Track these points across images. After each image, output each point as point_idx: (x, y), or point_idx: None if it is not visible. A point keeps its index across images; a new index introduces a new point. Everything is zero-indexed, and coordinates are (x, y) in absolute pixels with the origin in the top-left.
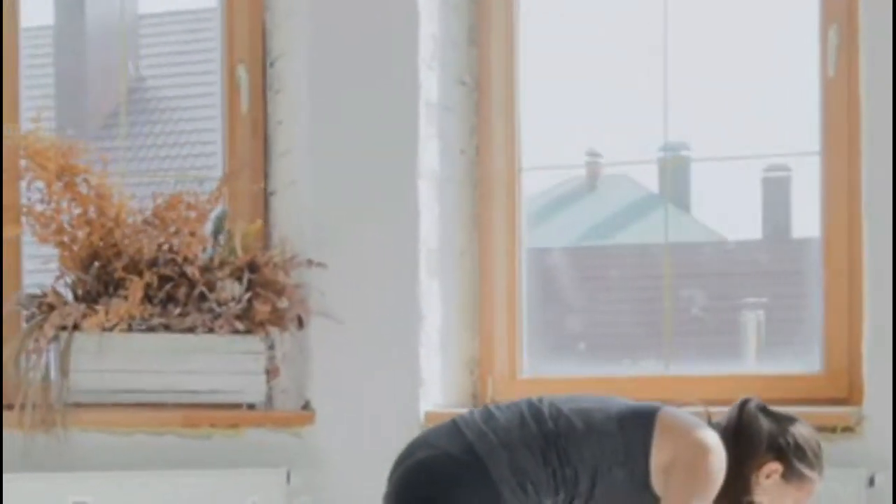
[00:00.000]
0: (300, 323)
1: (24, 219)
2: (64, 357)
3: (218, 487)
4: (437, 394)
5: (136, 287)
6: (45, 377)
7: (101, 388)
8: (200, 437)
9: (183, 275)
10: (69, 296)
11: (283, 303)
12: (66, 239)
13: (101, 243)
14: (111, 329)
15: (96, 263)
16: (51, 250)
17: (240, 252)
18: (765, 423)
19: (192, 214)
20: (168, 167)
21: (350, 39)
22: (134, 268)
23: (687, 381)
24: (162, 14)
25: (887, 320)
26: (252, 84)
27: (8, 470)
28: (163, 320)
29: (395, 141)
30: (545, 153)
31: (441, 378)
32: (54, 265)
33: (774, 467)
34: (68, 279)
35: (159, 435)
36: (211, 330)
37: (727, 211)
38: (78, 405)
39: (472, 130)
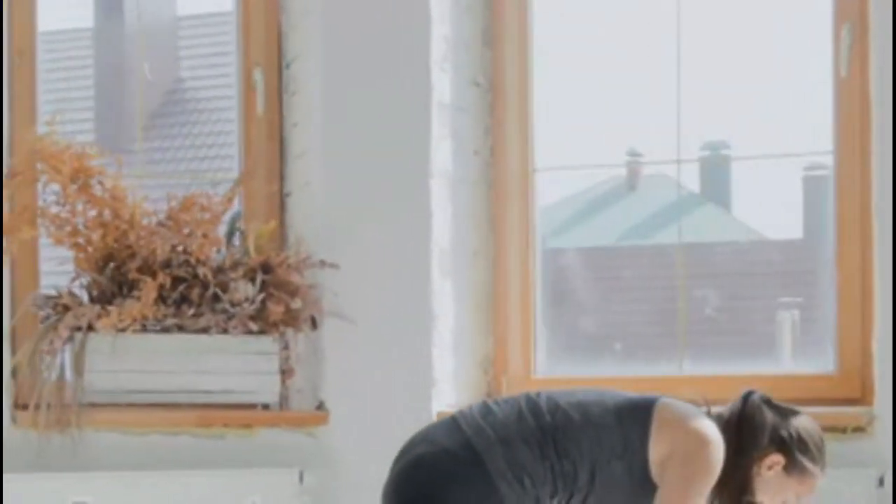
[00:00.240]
0: (314, 323)
1: (39, 221)
2: (78, 357)
3: (230, 487)
4: (450, 393)
5: (148, 288)
6: (60, 377)
7: (115, 389)
8: (214, 437)
9: (196, 276)
10: (85, 297)
11: (296, 303)
12: (80, 241)
13: (115, 245)
14: (125, 330)
15: (111, 265)
16: (67, 252)
17: (253, 253)
18: (768, 415)
19: (206, 216)
20: (207, 168)
21: (362, 41)
22: (148, 269)
23: (699, 381)
24: (202, 15)
25: None
26: (268, 86)
27: (21, 470)
28: (177, 321)
29: (407, 142)
30: (582, 152)
31: (454, 378)
32: (70, 267)
33: (776, 459)
34: (83, 280)
35: (173, 435)
36: (225, 330)
37: (768, 210)
38: (92, 405)
39: (486, 131)
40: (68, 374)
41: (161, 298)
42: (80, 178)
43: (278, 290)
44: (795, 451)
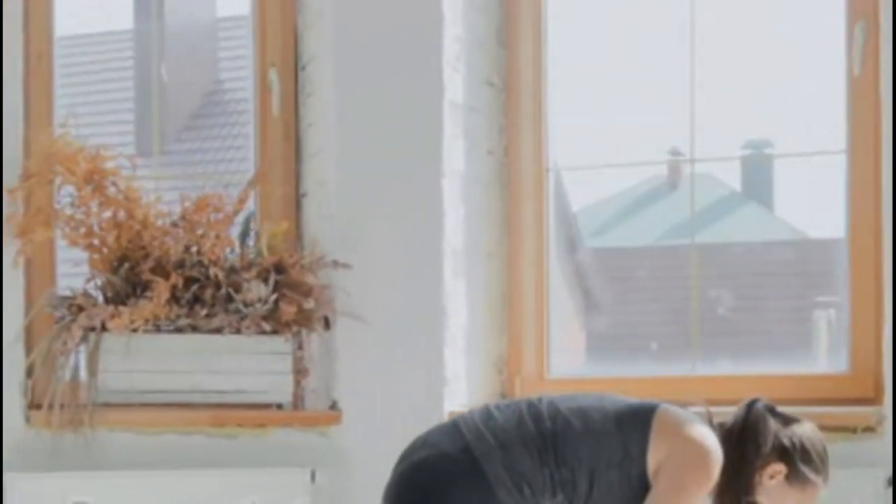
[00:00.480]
0: (326, 324)
1: (55, 222)
2: (92, 358)
3: (241, 486)
4: (463, 394)
5: (160, 288)
6: (74, 377)
7: (129, 389)
8: (227, 437)
9: (209, 276)
10: (100, 298)
11: (309, 304)
12: (95, 242)
13: (129, 246)
14: (137, 330)
15: (125, 265)
16: (83, 253)
17: (266, 253)
18: (772, 424)
19: (219, 216)
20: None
21: (375, 42)
22: (161, 270)
23: (715, 381)
24: (239, 18)
25: None
26: (285, 87)
27: (35, 469)
28: (190, 321)
29: (419, 142)
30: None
31: (467, 378)
32: (86, 268)
33: (778, 468)
34: (98, 281)
35: (186, 435)
36: (238, 331)
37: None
38: (106, 405)
39: (500, 131)
40: (82, 374)
41: (174, 299)
42: (95, 179)
43: (291, 291)
44: (798, 460)
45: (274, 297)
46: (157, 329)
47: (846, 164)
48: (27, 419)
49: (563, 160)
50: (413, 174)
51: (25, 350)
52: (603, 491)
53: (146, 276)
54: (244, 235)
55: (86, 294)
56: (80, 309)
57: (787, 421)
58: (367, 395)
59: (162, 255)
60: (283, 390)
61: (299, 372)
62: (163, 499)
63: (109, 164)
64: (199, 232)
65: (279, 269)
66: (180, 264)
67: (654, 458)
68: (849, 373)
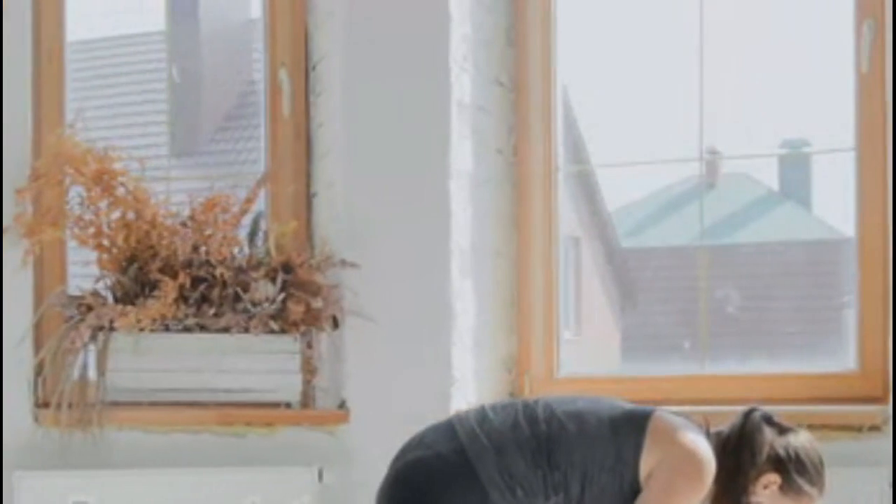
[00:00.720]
0: (335, 323)
1: (65, 222)
2: (101, 357)
3: (247, 485)
4: (472, 393)
5: (167, 288)
6: (83, 376)
7: (137, 388)
8: (235, 436)
9: (217, 276)
10: (110, 297)
11: (317, 303)
12: (105, 242)
13: (138, 245)
14: (143, 329)
15: (134, 265)
16: (94, 253)
17: (274, 253)
18: (768, 434)
19: (227, 217)
20: None
21: (383, 42)
22: (169, 269)
23: (723, 380)
24: None
25: None
26: (295, 88)
27: (43, 468)
28: (198, 320)
29: (426, 142)
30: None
31: (475, 377)
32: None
33: (773, 478)
34: (108, 281)
35: (195, 433)
36: (246, 330)
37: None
38: (115, 404)
39: (509, 130)
40: (91, 373)
41: (183, 298)
42: (104, 179)
43: (299, 290)
44: (792, 471)
45: (282, 296)
46: (166, 328)
47: (854, 161)
48: (36, 418)
49: (596, 158)
50: (421, 174)
51: (34, 349)
52: (595, 495)
53: (154, 275)
54: (253, 235)
55: (95, 294)
56: (90, 308)
57: (784, 431)
58: (375, 394)
59: (170, 255)
60: (291, 389)
61: (309, 371)
62: (170, 497)
63: (118, 165)
64: (208, 232)
65: (287, 268)
66: (188, 264)
67: (646, 464)
68: (857, 372)
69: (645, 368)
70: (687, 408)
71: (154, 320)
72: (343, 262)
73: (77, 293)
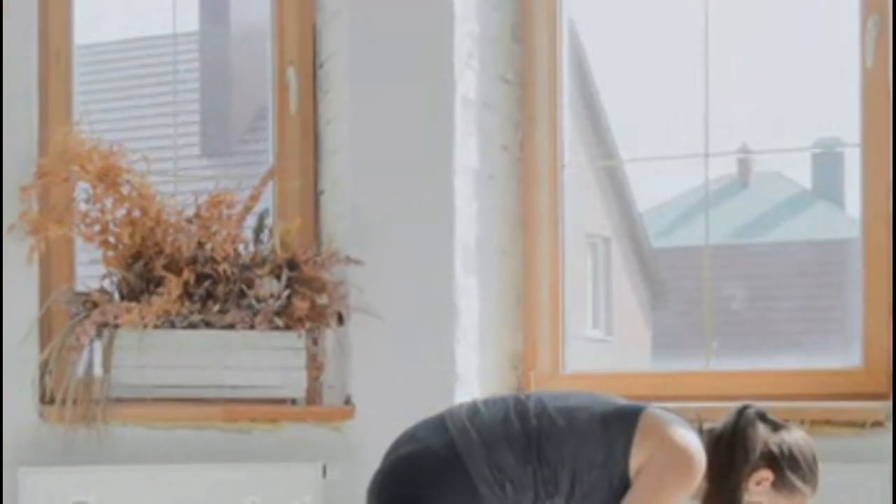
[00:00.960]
0: (340, 319)
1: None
2: (106, 353)
3: (252, 481)
4: (476, 389)
5: (171, 285)
6: (88, 373)
7: (142, 384)
8: (240, 432)
9: (221, 272)
10: (116, 294)
11: (322, 300)
12: (110, 239)
13: (143, 242)
14: (150, 326)
15: (140, 262)
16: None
17: (279, 250)
18: (761, 430)
19: (232, 213)
20: None
21: (389, 40)
22: (174, 266)
23: (727, 376)
24: None
25: None
26: (303, 85)
27: (47, 464)
28: (203, 317)
29: (431, 138)
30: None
31: (479, 373)
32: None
33: (765, 475)
34: (114, 277)
35: (200, 429)
36: (251, 326)
37: None
38: (120, 400)
39: (516, 127)
40: (96, 369)
41: (187, 295)
42: (109, 176)
43: (304, 287)
44: (786, 468)
45: (287, 293)
46: (171, 325)
47: (859, 158)
48: (40, 414)
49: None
50: (426, 171)
51: (40, 346)
52: (585, 490)
53: (159, 272)
54: (258, 232)
55: (101, 290)
56: (95, 305)
57: (777, 428)
58: (380, 391)
59: (175, 252)
60: (296, 385)
61: (314, 368)
62: (174, 493)
63: (123, 162)
64: (213, 229)
65: (292, 265)
66: (193, 260)
67: (636, 460)
68: (862, 368)
69: (672, 366)
70: (698, 404)
71: (159, 317)
72: (348, 259)
73: (83, 290)
